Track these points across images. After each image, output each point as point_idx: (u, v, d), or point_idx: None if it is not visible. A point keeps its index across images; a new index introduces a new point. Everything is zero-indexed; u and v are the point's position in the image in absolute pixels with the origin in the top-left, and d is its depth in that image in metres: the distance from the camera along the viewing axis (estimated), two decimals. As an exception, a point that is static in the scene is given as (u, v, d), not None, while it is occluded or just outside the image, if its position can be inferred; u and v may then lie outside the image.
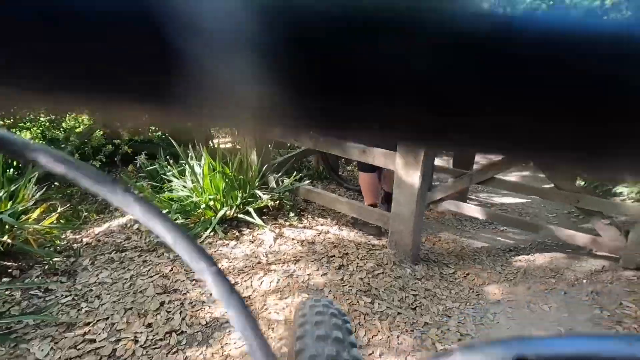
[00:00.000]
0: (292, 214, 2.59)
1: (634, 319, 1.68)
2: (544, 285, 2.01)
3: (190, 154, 2.75)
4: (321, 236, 2.38)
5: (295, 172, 2.68)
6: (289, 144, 4.34)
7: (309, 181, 2.89)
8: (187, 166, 2.55)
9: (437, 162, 3.38)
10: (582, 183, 3.46)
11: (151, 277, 1.87)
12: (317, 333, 0.67)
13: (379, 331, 1.60)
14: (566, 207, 3.05)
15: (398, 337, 1.58)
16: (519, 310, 1.84)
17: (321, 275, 1.94)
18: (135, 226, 2.43)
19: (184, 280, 1.84)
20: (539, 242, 2.51)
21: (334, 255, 2.14)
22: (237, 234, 2.33)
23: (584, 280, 2.00)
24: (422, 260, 2.26)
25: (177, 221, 2.32)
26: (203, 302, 1.69)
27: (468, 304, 1.88)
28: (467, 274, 2.16)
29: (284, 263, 2.03)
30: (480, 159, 3.89)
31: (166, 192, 2.53)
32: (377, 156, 2.12)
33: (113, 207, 2.70)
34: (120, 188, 0.28)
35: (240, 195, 2.51)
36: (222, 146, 4.49)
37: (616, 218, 2.30)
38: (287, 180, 2.64)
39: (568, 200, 2.15)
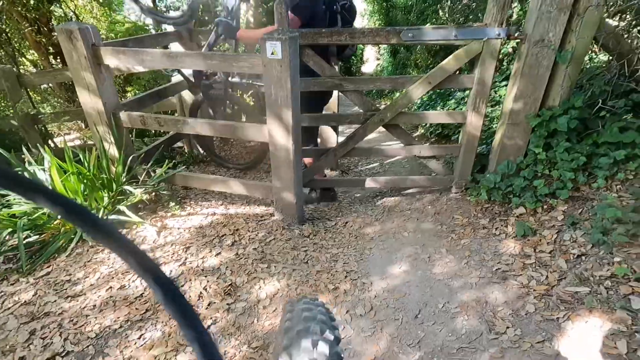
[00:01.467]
0: (172, 204, 2.47)
1: (462, 226, 2.26)
2: (402, 218, 2.48)
3: (26, 159, 2.29)
4: (208, 219, 2.36)
5: (166, 160, 2.52)
6: (153, 131, 3.99)
7: (183, 167, 2.75)
8: (25, 173, 2.13)
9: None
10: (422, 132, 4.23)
11: (8, 308, 1.58)
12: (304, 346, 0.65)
13: (278, 289, 1.75)
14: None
15: (296, 288, 1.76)
16: (387, 241, 2.24)
17: (215, 256, 1.96)
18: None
19: (55, 300, 1.61)
20: (396, 187, 3.02)
21: (225, 234, 2.17)
22: (112, 237, 2.11)
23: (429, 207, 2.54)
24: (308, 220, 2.49)
25: (29, 239, 1.97)
26: (87, 315, 1.54)
27: (349, 246, 2.19)
28: (346, 223, 2.49)
29: (173, 254, 1.97)
30: (344, 129, 4.33)
31: (2, 209, 2.08)
32: (249, 130, 2.17)
33: None
34: None
35: (106, 194, 2.25)
36: (70, 144, 3.83)
37: (447, 157, 2.95)
38: (159, 170, 2.48)
39: (412, 153, 2.64)
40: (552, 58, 2.07)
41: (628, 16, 2.49)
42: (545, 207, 2.09)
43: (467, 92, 3.93)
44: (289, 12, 2.19)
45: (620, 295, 1.42)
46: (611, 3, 2.43)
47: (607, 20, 2.39)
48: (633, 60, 2.20)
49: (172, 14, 3.27)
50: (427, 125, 4.25)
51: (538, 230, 1.97)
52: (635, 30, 2.41)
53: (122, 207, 2.19)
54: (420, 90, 2.37)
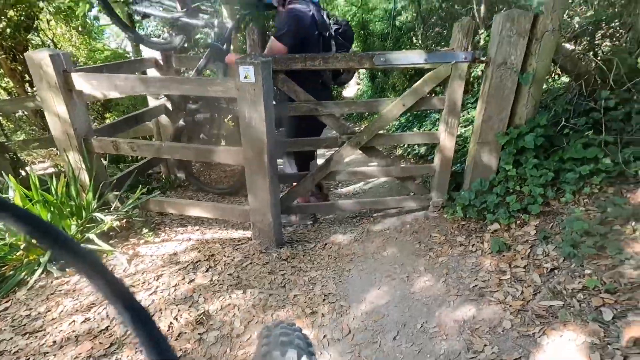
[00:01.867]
0: (146, 230, 2.39)
1: (439, 243, 2.27)
2: (381, 237, 2.47)
3: (-10, 188, 2.20)
4: (183, 245, 2.30)
5: (140, 186, 2.46)
6: (130, 157, 3.92)
7: (159, 192, 2.69)
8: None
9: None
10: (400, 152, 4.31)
11: (-42, 349, 1.46)
12: None
13: (254, 316, 1.69)
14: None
15: (272, 314, 1.70)
16: (366, 262, 2.22)
17: (188, 283, 1.89)
18: None
19: (11, 338, 1.50)
20: (375, 208, 3.02)
21: (200, 260, 2.10)
22: (79, 267, 2.02)
23: (407, 226, 2.55)
24: (286, 242, 2.45)
25: (-12, 272, 1.86)
26: (45, 352, 1.43)
27: (328, 268, 2.16)
28: (326, 244, 2.46)
29: (143, 283, 1.89)
30: (323, 151, 4.36)
31: (-39, 241, 1.97)
32: (224, 153, 2.16)
33: None
34: None
35: (75, 222, 2.17)
36: (44, 172, 3.71)
37: (424, 176, 2.99)
38: (132, 196, 2.41)
39: (390, 175, 2.67)
40: (515, 79, 2.17)
41: (583, 41, 2.67)
42: (518, 222, 2.12)
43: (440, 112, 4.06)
44: (275, 40, 2.25)
45: (592, 307, 1.43)
46: (569, 29, 2.60)
47: (564, 44, 2.55)
48: (590, 81, 2.33)
49: (154, 40, 3.32)
50: (405, 146, 4.34)
51: (512, 245, 1.99)
52: (590, 53, 2.58)
53: (91, 235, 2.11)
54: (394, 112, 2.42)
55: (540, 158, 2.26)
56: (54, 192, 2.15)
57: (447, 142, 2.47)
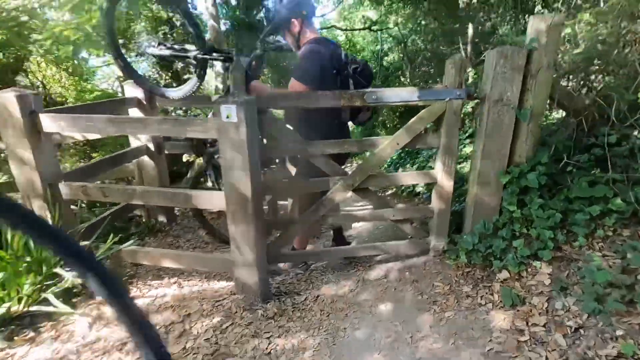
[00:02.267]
0: (114, 286, 2.12)
1: (443, 294, 2.04)
2: (379, 287, 2.24)
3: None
4: (157, 302, 2.03)
5: (112, 234, 2.23)
6: (108, 203, 3.69)
7: (132, 240, 2.44)
8: None
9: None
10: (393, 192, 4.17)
11: None
12: None
13: (232, 396, 1.42)
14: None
15: (254, 393, 1.43)
16: (363, 318, 1.97)
17: (157, 353, 1.61)
18: None
19: None
20: (370, 254, 2.79)
21: (173, 322, 1.83)
22: (31, 333, 1.74)
23: (406, 273, 2.33)
24: (274, 295, 2.20)
25: None
26: None
27: (320, 328, 1.90)
28: (317, 297, 2.21)
29: (104, 353, 1.61)
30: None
31: None
32: (205, 199, 1.97)
33: None
34: None
35: (32, 280, 1.90)
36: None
37: (421, 217, 2.79)
38: (103, 246, 2.17)
39: (384, 218, 2.49)
40: (513, 116, 2.07)
41: (577, 77, 2.63)
42: (529, 269, 1.93)
43: (435, 149, 3.97)
44: (296, 80, 2.20)
45: (634, 380, 1.21)
46: (562, 65, 2.57)
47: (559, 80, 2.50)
48: (589, 117, 2.25)
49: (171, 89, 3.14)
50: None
51: (526, 297, 1.78)
52: (584, 89, 2.52)
53: (48, 295, 1.84)
54: (388, 151, 2.30)
55: (545, 198, 2.11)
56: (9, 246, 1.90)
57: (445, 181, 2.32)
